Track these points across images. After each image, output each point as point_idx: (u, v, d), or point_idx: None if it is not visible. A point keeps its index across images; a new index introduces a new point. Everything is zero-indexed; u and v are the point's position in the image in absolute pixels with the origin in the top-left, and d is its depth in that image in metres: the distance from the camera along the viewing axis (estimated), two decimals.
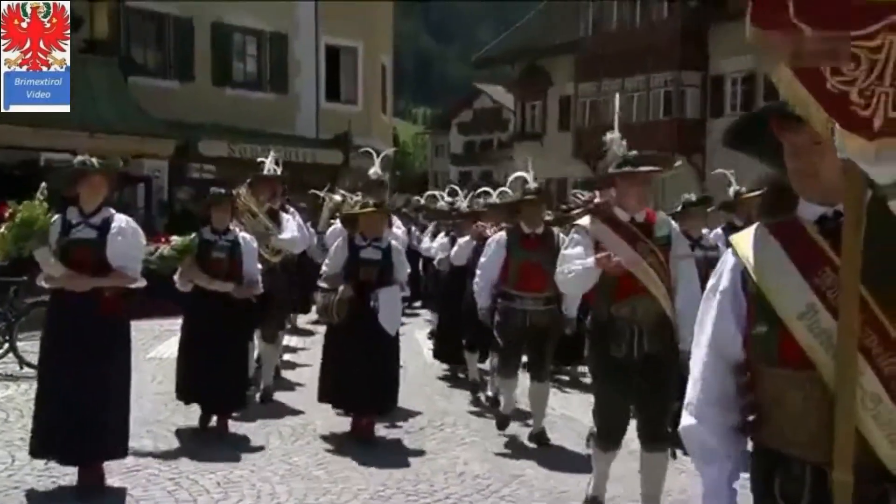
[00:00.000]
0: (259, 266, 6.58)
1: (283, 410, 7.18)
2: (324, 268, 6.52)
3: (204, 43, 19.56)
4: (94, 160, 5.06)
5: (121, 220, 5.00)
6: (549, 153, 28.03)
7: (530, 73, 30.09)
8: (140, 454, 5.81)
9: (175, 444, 6.13)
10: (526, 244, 6.27)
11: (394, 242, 6.57)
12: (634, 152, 4.89)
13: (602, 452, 4.79)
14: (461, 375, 8.77)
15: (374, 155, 8.19)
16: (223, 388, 6.26)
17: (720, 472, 2.06)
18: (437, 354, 9.35)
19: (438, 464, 5.90)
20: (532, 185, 6.56)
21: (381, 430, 6.59)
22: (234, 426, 6.50)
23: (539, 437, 6.37)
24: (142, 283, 5.11)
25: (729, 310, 2.03)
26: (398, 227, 7.76)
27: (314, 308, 9.66)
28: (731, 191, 7.82)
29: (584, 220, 4.71)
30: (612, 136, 5.14)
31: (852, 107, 1.56)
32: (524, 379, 6.64)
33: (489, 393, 7.60)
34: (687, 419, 2.09)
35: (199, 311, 6.27)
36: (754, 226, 2.57)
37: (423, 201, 14.72)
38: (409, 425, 6.90)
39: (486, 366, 8.12)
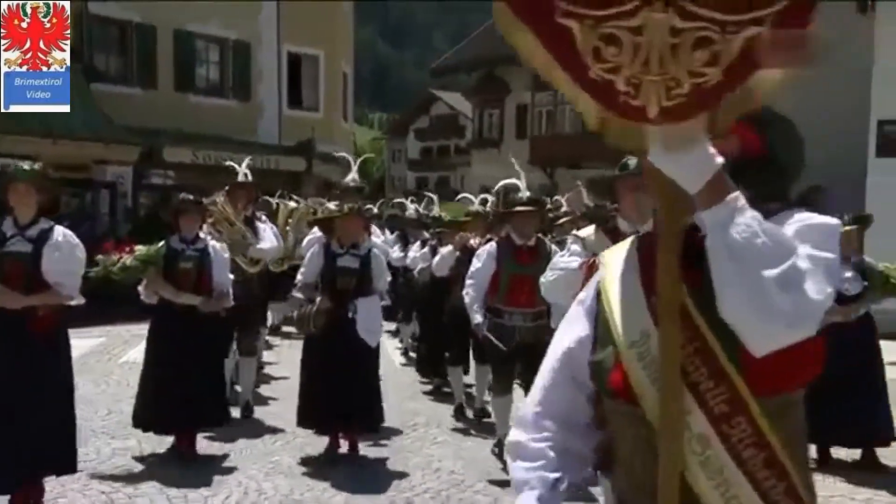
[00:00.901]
0: (231, 276, 6.25)
1: (261, 429, 6.93)
2: (298, 276, 6.20)
3: (166, 50, 19.64)
4: (22, 165, 4.75)
5: (59, 233, 4.68)
6: (506, 160, 28.55)
7: (488, 82, 30.57)
8: (125, 455, 5.98)
9: (160, 443, 6.18)
10: (518, 257, 5.88)
11: (374, 250, 6.23)
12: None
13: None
14: (446, 390, 8.34)
15: (352, 161, 7.86)
16: (198, 407, 5.88)
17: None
18: (420, 369, 8.99)
19: (414, 462, 6.12)
20: (525, 193, 6.05)
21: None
22: (211, 447, 6.30)
23: None
24: (80, 300, 4.73)
25: (582, 326, 1.72)
26: (377, 236, 7.41)
27: (270, 319, 9.59)
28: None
29: (586, 231, 4.28)
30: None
31: (622, 97, 1.34)
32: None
33: (476, 406, 7.42)
34: (514, 433, 1.75)
35: (165, 325, 5.92)
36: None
37: (387, 210, 14.73)
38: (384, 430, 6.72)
39: (471, 378, 7.85)
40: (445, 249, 7.76)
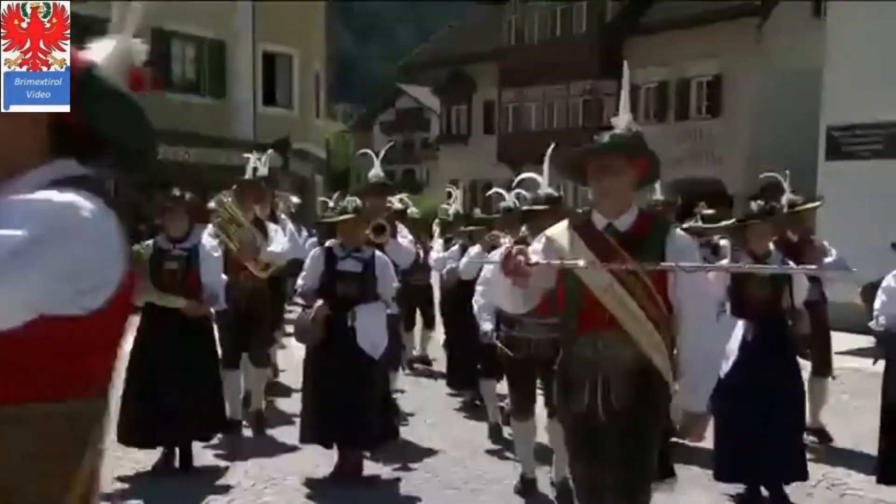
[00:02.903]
0: (225, 278, 6.03)
1: (271, 443, 6.50)
2: (299, 281, 5.78)
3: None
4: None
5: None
6: (474, 156, 29.27)
7: (455, 79, 31.19)
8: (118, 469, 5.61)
9: (149, 455, 5.79)
10: None
11: (379, 253, 5.74)
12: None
13: None
14: (478, 403, 7.59)
15: (374, 157, 7.06)
16: (189, 417, 5.57)
17: None
18: (451, 383, 8.21)
19: (431, 487, 5.60)
20: (545, 190, 5.23)
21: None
22: (207, 460, 5.96)
23: (563, 485, 5.05)
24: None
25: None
26: (403, 237, 6.58)
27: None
28: (785, 199, 6.56)
29: (555, 228, 3.52)
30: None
31: None
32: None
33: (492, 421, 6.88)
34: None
35: (151, 331, 5.59)
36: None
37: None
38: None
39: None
40: (474, 250, 6.88)
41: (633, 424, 3.23)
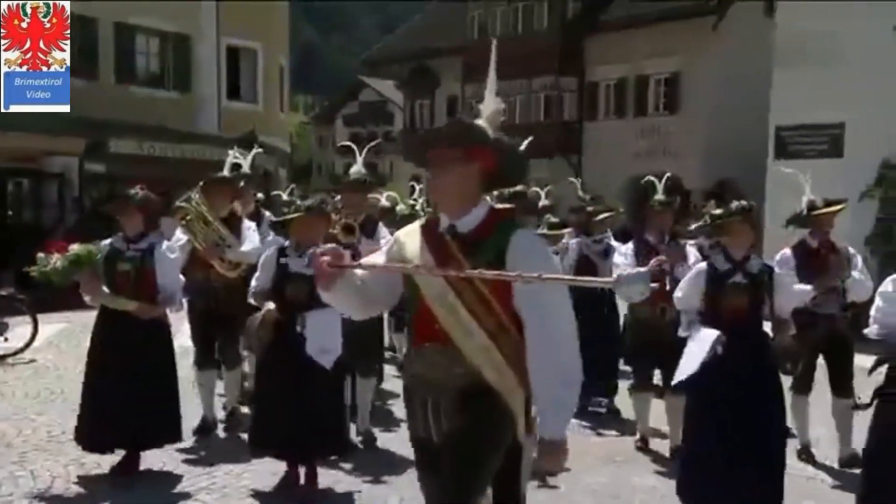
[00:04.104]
0: (182, 279, 5.78)
1: (236, 451, 5.92)
2: (253, 282, 5.41)
3: (107, 42, 20.04)
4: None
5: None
6: None
7: (419, 74, 31.45)
8: (65, 476, 5.44)
9: (103, 459, 5.60)
10: None
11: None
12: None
13: None
14: None
15: (357, 152, 6.69)
16: (141, 423, 5.34)
17: None
18: None
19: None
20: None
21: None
22: (159, 465, 5.69)
23: None
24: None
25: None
26: (382, 237, 6.13)
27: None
28: (805, 201, 6.06)
29: (408, 228, 3.12)
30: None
31: None
32: None
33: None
34: None
35: (106, 332, 5.44)
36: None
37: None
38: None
39: None
40: None
41: (464, 449, 2.78)
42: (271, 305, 5.14)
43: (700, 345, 4.71)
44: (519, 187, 5.40)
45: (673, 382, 5.00)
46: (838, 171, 11.33)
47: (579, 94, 27.13)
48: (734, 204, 4.95)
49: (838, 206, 6.03)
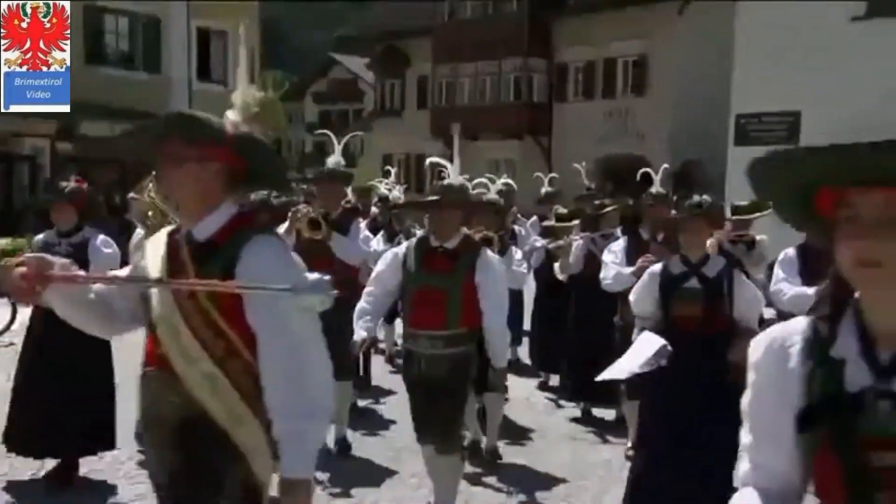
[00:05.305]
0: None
1: None
2: None
3: (77, 22, 19.92)
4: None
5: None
6: (408, 130, 29.77)
7: (389, 53, 31.52)
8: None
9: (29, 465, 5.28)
10: (430, 263, 4.38)
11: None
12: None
13: None
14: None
15: (335, 141, 6.34)
16: (73, 430, 5.06)
17: None
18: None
19: None
20: (455, 179, 4.58)
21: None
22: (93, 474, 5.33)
23: None
24: None
25: None
26: (359, 231, 5.91)
27: None
28: None
29: (159, 233, 2.71)
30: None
31: None
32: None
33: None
34: None
35: (40, 332, 5.12)
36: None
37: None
38: None
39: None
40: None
41: (179, 494, 2.43)
42: None
43: (642, 345, 4.25)
44: (492, 195, 5.33)
45: (598, 378, 4.44)
46: None
47: (548, 75, 27.41)
48: (694, 199, 4.41)
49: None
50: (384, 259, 4.63)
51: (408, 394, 4.60)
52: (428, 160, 5.27)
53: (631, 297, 4.72)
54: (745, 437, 1.67)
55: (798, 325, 1.56)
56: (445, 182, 4.56)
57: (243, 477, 2.38)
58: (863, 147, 1.28)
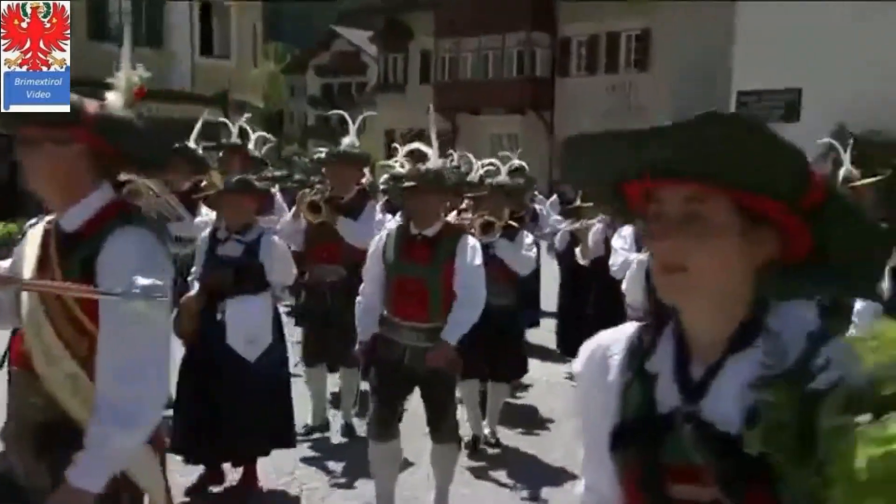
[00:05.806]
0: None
1: None
2: (194, 267, 4.90)
3: None
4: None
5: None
6: (411, 105, 29.72)
7: (392, 27, 31.42)
8: None
9: None
10: (409, 252, 4.25)
11: (267, 235, 4.76)
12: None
13: None
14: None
15: (350, 121, 6.11)
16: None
17: None
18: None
19: None
20: (434, 163, 4.39)
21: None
22: None
23: None
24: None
25: None
26: (371, 216, 5.71)
27: None
28: (841, 174, 5.39)
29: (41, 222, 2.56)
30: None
31: None
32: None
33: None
34: None
35: None
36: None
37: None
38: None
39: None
40: None
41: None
42: (193, 292, 4.71)
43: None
44: (503, 177, 5.28)
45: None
46: (795, 135, 11.79)
47: (552, 50, 27.34)
48: None
49: (876, 178, 5.34)
50: (369, 252, 4.46)
51: (377, 376, 4.27)
52: (406, 147, 4.96)
53: (623, 287, 4.65)
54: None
55: (624, 333, 1.42)
56: (423, 167, 4.32)
57: (116, 487, 2.16)
58: (648, 133, 1.15)
